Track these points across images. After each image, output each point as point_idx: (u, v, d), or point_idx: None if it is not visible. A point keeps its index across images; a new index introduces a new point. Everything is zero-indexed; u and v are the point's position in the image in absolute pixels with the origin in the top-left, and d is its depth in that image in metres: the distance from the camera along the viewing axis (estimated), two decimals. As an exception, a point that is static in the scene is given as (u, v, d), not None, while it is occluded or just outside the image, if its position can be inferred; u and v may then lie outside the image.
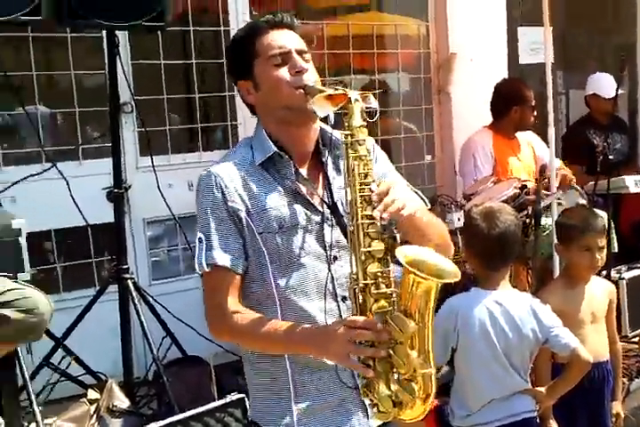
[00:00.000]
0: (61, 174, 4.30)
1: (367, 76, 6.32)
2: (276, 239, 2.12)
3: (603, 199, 5.26)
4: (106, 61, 4.21)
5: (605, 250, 3.64)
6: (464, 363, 3.17)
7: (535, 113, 5.32)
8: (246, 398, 3.43)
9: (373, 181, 1.98)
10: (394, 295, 1.94)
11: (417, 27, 6.39)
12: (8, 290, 3.12)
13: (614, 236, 5.05)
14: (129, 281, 4.19)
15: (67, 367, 4.19)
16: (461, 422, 3.20)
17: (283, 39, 2.18)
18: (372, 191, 1.95)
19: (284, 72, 2.16)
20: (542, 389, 3.25)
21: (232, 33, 5.02)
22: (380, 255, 1.95)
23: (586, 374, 3.25)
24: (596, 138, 6.20)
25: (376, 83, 6.19)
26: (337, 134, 2.15)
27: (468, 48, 6.19)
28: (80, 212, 4.30)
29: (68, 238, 4.93)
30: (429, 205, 2.27)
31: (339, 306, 2.15)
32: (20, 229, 3.41)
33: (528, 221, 4.50)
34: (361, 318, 1.93)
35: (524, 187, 4.67)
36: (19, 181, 4.24)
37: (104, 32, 4.16)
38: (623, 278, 5.13)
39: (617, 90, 5.61)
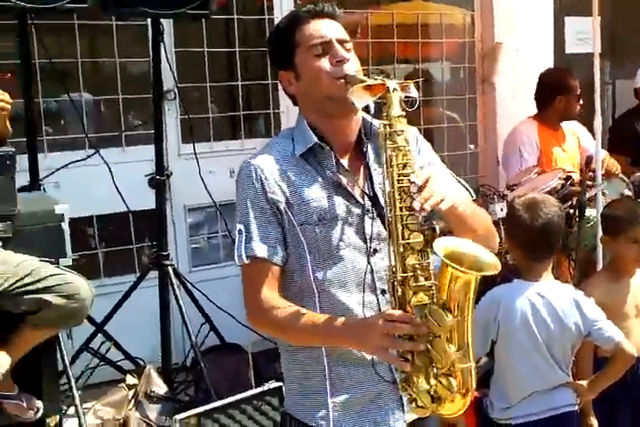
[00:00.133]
0: (104, 161, 4.33)
1: (411, 66, 6.29)
2: (316, 231, 2.10)
3: (648, 191, 5.18)
4: (150, 49, 4.23)
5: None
6: (504, 352, 3.15)
7: (581, 102, 5.24)
8: (283, 387, 3.43)
9: (413, 172, 1.94)
10: (433, 288, 1.91)
11: (462, 16, 6.35)
12: (50, 275, 3.14)
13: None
14: (169, 267, 4.23)
15: (106, 352, 4.24)
16: (500, 414, 3.18)
17: (324, 29, 2.15)
18: (412, 182, 1.92)
19: (324, 62, 2.13)
20: (584, 382, 3.22)
21: (276, 21, 5.01)
22: (419, 247, 1.91)
23: (629, 369, 3.22)
24: (645, 130, 6.10)
25: (419, 72, 6.17)
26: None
27: (514, 38, 6.14)
28: (122, 198, 4.34)
29: (110, 224, 4.99)
30: (475, 196, 2.22)
31: (378, 299, 2.13)
32: (62, 215, 3.43)
33: (572, 212, 4.45)
34: (398, 312, 1.90)
35: (568, 178, 4.61)
36: (62, 167, 4.28)
37: (149, 20, 4.20)
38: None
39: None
